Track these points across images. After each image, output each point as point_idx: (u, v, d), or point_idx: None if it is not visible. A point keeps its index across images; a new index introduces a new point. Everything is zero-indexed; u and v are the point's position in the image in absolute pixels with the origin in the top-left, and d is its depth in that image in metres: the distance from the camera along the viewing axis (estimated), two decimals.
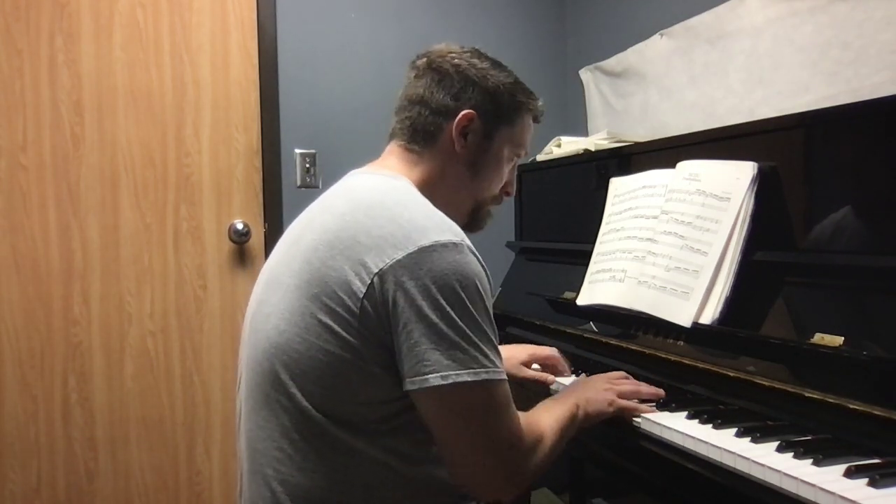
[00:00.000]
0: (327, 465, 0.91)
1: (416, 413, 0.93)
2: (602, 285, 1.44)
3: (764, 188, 1.19)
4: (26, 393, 1.95)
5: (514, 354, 1.37)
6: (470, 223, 1.12)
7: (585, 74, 2.47)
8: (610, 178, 1.57)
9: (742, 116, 1.71)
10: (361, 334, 0.87)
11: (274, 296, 0.95)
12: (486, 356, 0.87)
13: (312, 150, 2.24)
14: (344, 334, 0.87)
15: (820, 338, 1.00)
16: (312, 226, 0.96)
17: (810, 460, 0.85)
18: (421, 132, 1.04)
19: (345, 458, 0.91)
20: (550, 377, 1.36)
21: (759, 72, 1.72)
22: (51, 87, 1.95)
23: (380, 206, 0.91)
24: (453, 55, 1.05)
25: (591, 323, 1.51)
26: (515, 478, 0.91)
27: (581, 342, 1.52)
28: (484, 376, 0.85)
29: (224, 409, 2.14)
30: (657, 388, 1.15)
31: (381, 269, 0.85)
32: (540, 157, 2.02)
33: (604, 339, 1.44)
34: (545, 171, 2.00)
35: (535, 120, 1.13)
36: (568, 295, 1.58)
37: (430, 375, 0.84)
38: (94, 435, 2.01)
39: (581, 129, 2.46)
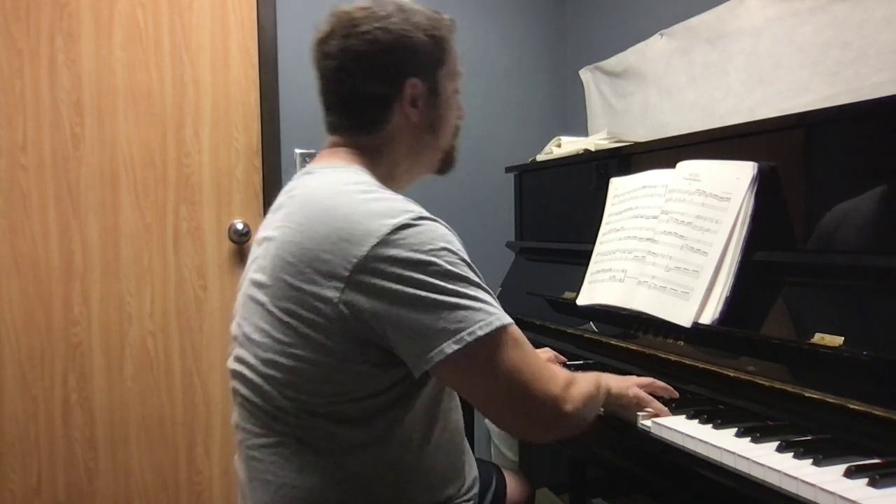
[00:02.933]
0: (327, 463, 0.91)
1: (412, 402, 0.93)
2: (602, 285, 1.44)
3: (764, 188, 1.19)
4: (26, 393, 1.95)
5: None
6: (443, 167, 1.11)
7: (585, 74, 2.47)
8: (610, 178, 1.57)
9: (742, 116, 1.71)
10: (344, 339, 0.87)
11: (254, 315, 0.95)
12: (489, 303, 0.87)
13: (312, 150, 2.24)
14: (327, 342, 0.87)
15: (820, 338, 1.00)
16: (276, 239, 0.94)
17: (810, 460, 0.85)
18: (368, 123, 1.01)
19: (344, 454, 0.91)
20: None
21: (759, 72, 1.72)
22: (51, 87, 1.95)
23: (333, 208, 0.90)
24: (361, 27, 0.97)
25: (591, 323, 1.51)
26: (566, 406, 0.89)
27: (581, 342, 1.52)
28: (496, 324, 0.85)
29: (224, 409, 2.14)
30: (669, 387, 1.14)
31: (350, 272, 0.85)
32: (540, 157, 2.02)
33: (604, 339, 1.44)
34: (545, 171, 2.00)
35: (453, 33, 1.07)
36: (568, 295, 1.58)
37: (444, 345, 0.83)
38: (94, 435, 2.01)
39: (581, 129, 2.46)
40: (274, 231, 0.96)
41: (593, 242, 1.53)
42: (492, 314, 0.86)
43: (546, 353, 1.43)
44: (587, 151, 1.79)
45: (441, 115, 1.05)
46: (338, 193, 0.92)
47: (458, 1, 2.46)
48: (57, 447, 1.98)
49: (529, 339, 1.67)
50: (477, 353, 0.84)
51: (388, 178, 1.02)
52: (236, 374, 0.99)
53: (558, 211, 1.94)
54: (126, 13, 2.01)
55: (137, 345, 2.05)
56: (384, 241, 0.85)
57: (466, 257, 0.90)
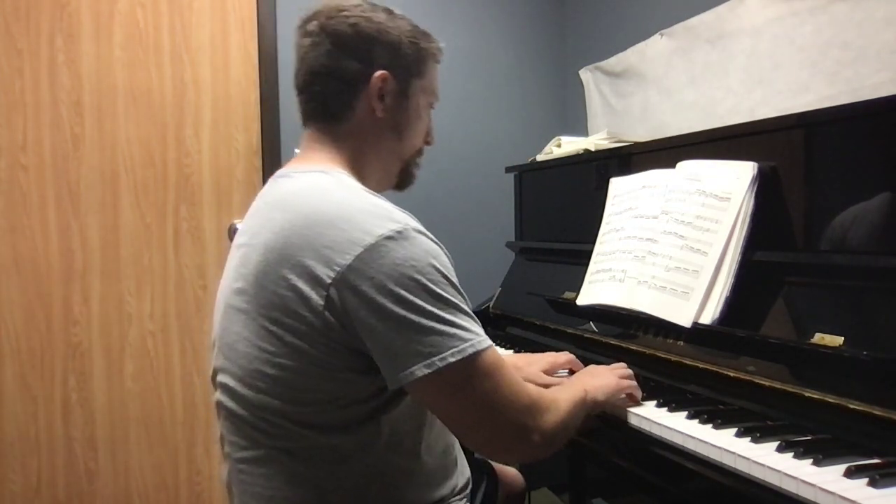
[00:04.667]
0: (317, 473, 0.90)
1: (400, 405, 0.92)
2: (602, 285, 1.44)
3: (764, 188, 1.19)
4: (26, 393, 1.95)
5: (533, 362, 1.34)
6: (400, 182, 1.10)
7: (585, 74, 2.47)
8: (610, 178, 1.57)
9: (742, 116, 1.71)
10: (329, 347, 0.86)
11: (236, 323, 0.93)
12: (465, 329, 0.84)
13: None
14: (312, 350, 0.86)
15: (820, 338, 1.00)
16: (256, 245, 0.92)
17: (810, 460, 0.85)
18: (335, 107, 1.01)
19: (334, 463, 0.90)
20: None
21: (759, 72, 1.72)
22: (51, 87, 1.95)
23: (316, 214, 0.88)
24: (346, 13, 0.99)
25: (591, 323, 1.51)
26: (534, 436, 0.89)
27: (581, 342, 1.52)
28: (469, 350, 0.83)
29: None
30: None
31: (333, 279, 0.83)
32: (540, 157, 2.02)
33: (604, 339, 1.44)
34: (545, 171, 2.00)
35: (437, 62, 1.09)
36: (568, 295, 1.58)
37: (415, 367, 0.82)
38: (94, 435, 2.01)
39: (581, 129, 2.46)
40: (252, 237, 0.94)
41: (593, 242, 1.53)
42: (467, 340, 0.84)
43: (567, 356, 1.38)
44: (587, 151, 1.79)
45: (407, 121, 1.04)
46: (320, 199, 0.90)
47: (458, 1, 2.46)
48: (57, 447, 1.98)
49: (529, 339, 1.67)
50: (448, 378, 0.83)
51: (360, 178, 1.01)
52: (220, 386, 0.97)
53: (558, 211, 1.94)
54: (126, 13, 2.01)
55: (137, 345, 2.05)
56: (368, 252, 0.83)
57: (451, 274, 0.88)
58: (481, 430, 0.88)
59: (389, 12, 1.03)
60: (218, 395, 0.99)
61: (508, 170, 2.14)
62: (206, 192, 2.11)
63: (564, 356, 1.37)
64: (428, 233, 0.89)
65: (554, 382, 1.28)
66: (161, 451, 2.08)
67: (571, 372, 1.38)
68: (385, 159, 1.05)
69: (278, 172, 1.03)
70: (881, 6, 1.41)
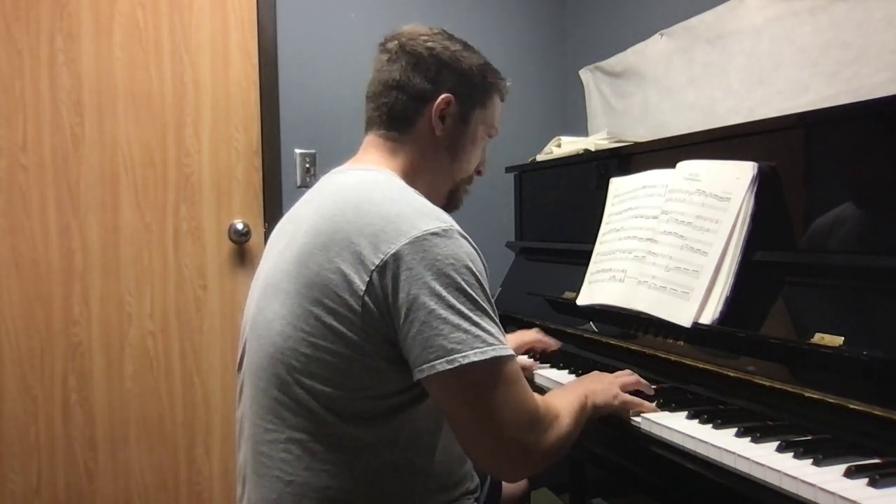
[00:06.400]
0: (336, 462, 0.91)
1: (424, 404, 0.94)
2: (602, 285, 1.44)
3: (764, 188, 1.19)
4: (26, 393, 1.95)
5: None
6: (447, 204, 1.15)
7: (585, 74, 2.47)
8: (610, 178, 1.57)
9: (742, 116, 1.71)
10: (365, 332, 0.88)
11: (274, 302, 0.96)
12: (490, 333, 0.87)
13: (312, 150, 2.24)
14: (349, 334, 0.88)
15: (820, 338, 1.00)
16: (303, 229, 0.96)
17: (810, 460, 0.85)
18: (399, 118, 1.06)
19: (354, 454, 0.91)
20: (536, 364, 1.44)
21: (759, 72, 1.72)
22: (51, 87, 1.95)
23: (367, 203, 0.92)
24: (425, 37, 1.06)
25: (591, 323, 1.52)
26: (535, 454, 0.90)
27: (581, 342, 1.52)
28: (491, 353, 0.85)
29: (224, 409, 2.14)
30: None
31: (377, 266, 0.86)
32: (540, 157, 2.02)
33: (604, 339, 1.44)
34: (545, 171, 2.00)
35: (502, 99, 1.16)
36: (568, 295, 1.58)
37: (437, 361, 0.84)
38: (94, 435, 2.01)
39: (581, 129, 2.46)
40: (302, 222, 0.98)
41: (593, 242, 1.53)
42: (490, 344, 0.86)
43: (532, 334, 1.47)
44: (587, 151, 1.79)
45: (463, 145, 1.10)
46: (372, 192, 0.95)
47: (458, 1, 2.46)
48: (57, 447, 1.98)
49: None
50: (465, 378, 0.85)
51: (411, 185, 1.04)
52: (252, 364, 0.99)
53: (558, 211, 1.94)
54: (126, 13, 2.01)
55: (137, 345, 2.05)
56: (412, 244, 0.86)
57: (485, 282, 0.91)
58: (486, 440, 0.88)
59: (466, 45, 1.10)
60: (245, 377, 1.01)
61: (508, 170, 2.14)
62: (206, 192, 2.11)
63: (529, 334, 1.51)
64: (470, 238, 0.92)
65: (527, 365, 1.43)
66: (161, 451, 2.08)
67: (535, 350, 1.51)
68: (436, 175, 1.10)
69: (333, 170, 1.08)
70: (881, 6, 1.41)
